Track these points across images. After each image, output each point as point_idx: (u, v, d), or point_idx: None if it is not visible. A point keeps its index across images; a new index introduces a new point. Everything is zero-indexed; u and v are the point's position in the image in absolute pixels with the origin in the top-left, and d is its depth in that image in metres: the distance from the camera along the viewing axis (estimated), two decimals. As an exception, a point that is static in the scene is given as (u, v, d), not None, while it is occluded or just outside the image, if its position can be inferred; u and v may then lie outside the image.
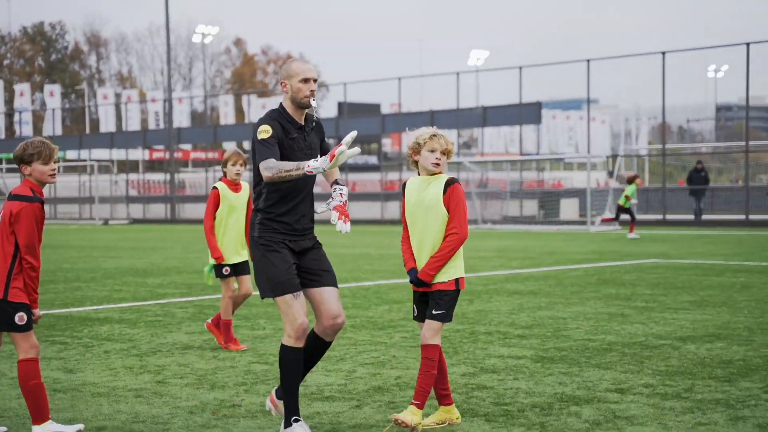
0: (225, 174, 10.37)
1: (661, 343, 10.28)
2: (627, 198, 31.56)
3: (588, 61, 42.68)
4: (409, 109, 58.77)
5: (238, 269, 10.42)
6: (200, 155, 74.47)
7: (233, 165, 10.28)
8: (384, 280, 17.94)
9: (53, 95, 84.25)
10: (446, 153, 6.96)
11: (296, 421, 6.51)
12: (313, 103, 6.65)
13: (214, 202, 10.29)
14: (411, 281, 6.96)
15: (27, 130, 77.01)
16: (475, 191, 44.19)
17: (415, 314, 7.09)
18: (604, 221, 35.26)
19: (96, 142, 65.68)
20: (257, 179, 6.61)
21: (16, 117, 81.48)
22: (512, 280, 17.33)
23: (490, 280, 17.51)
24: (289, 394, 6.57)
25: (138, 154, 71.61)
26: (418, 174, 7.07)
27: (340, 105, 71.85)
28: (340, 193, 6.66)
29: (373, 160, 78.32)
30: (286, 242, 6.62)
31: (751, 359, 9.33)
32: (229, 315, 10.38)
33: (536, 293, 15.16)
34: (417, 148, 6.95)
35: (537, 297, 14.65)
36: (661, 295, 14.71)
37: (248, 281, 10.32)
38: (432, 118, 46.71)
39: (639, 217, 40.44)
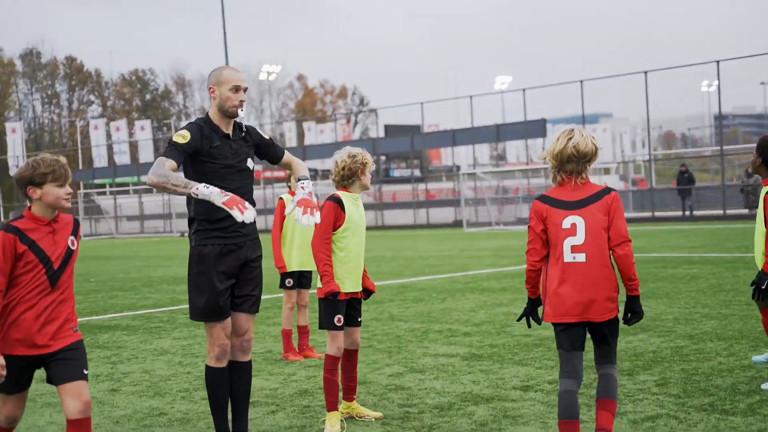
0: (290, 188, 9.16)
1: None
2: None
3: (581, 81, 41.63)
4: (437, 128, 57.92)
5: (301, 280, 9.35)
6: (268, 174, 73.94)
7: None
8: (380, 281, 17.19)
9: (144, 129, 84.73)
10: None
11: None
12: (241, 113, 5.72)
13: (280, 213, 9.21)
14: (333, 293, 6.20)
15: (125, 159, 77.35)
16: (489, 197, 43.38)
17: (341, 323, 6.27)
18: None
19: (177, 167, 65.43)
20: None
21: (116, 148, 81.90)
22: (492, 278, 16.53)
23: (473, 278, 16.74)
24: (215, 412, 5.73)
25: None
26: (345, 190, 6.31)
27: (386, 127, 71.90)
28: (302, 187, 5.68)
29: (416, 172, 77.58)
30: (224, 255, 5.61)
31: (661, 351, 8.51)
32: (290, 324, 9.28)
33: (505, 290, 14.37)
34: (362, 168, 6.26)
35: (503, 294, 13.86)
36: (616, 288, 13.84)
37: (307, 294, 9.46)
38: (454, 136, 45.99)
39: (631, 215, 39.32)
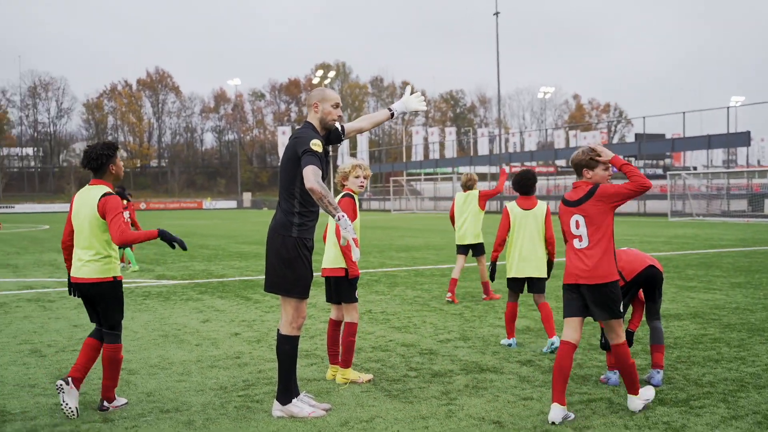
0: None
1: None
2: None
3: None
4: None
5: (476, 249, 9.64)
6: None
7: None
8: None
9: (451, 134, 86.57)
10: (367, 177, 5.82)
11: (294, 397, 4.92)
12: (337, 125, 5.10)
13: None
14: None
15: (435, 155, 79.40)
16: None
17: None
18: None
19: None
20: (291, 183, 4.79)
21: (429, 147, 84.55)
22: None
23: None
24: (288, 375, 4.90)
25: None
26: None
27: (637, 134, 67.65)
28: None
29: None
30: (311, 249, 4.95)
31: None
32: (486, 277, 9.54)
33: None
34: (345, 176, 5.81)
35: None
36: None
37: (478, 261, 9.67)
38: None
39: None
